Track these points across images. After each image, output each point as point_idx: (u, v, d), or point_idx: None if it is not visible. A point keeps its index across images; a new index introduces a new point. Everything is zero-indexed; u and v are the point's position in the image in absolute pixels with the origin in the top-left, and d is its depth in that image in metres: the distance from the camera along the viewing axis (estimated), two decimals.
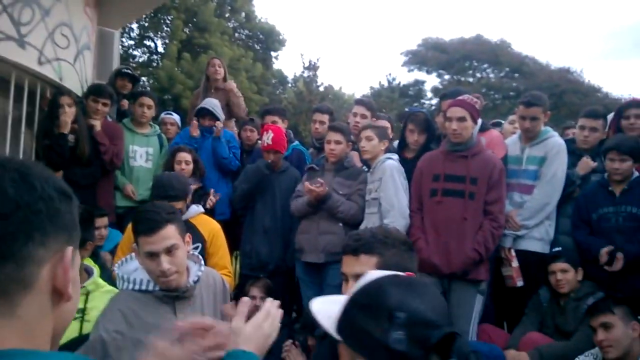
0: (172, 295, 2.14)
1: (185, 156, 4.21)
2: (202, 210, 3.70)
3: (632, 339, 2.84)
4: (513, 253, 3.70)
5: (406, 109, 5.91)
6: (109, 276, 3.18)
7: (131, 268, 2.25)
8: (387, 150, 4.05)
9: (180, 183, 3.41)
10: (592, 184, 3.84)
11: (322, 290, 3.83)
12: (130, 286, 2.16)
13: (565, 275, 3.42)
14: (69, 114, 4.18)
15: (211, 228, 3.59)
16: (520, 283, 3.66)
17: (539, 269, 3.58)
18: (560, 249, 3.59)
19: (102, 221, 4.01)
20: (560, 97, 22.82)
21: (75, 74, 4.69)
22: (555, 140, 3.87)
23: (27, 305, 0.73)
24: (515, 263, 3.68)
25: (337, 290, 1.77)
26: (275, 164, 4.39)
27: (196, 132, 4.82)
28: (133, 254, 2.29)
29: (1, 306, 0.71)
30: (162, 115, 5.81)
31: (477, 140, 3.66)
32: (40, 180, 0.77)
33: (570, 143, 4.09)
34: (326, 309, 1.22)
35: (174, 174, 3.56)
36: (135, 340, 1.97)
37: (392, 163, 3.86)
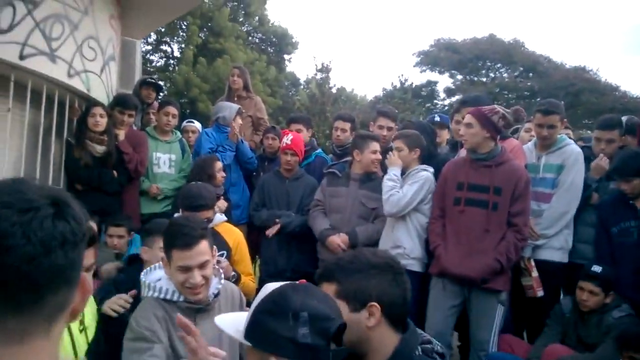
0: (195, 308, 2.24)
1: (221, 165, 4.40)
2: (225, 218, 3.82)
3: None
4: (532, 263, 3.68)
5: (430, 116, 5.91)
6: None
7: (155, 277, 2.33)
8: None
9: (209, 192, 3.51)
10: (612, 194, 3.75)
11: None
12: (156, 294, 2.24)
13: (592, 298, 3.35)
14: (100, 124, 4.36)
15: (236, 236, 3.74)
16: (540, 293, 3.63)
17: (558, 279, 3.54)
18: (598, 268, 3.37)
19: (116, 230, 3.98)
20: (576, 96, 22.46)
21: (102, 84, 4.81)
22: (572, 148, 3.84)
23: (58, 325, 0.75)
24: (535, 273, 3.65)
25: None
26: (292, 167, 4.50)
27: (235, 138, 4.88)
28: (158, 264, 2.38)
29: (47, 326, 0.73)
30: (184, 123, 5.95)
31: (502, 150, 3.58)
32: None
33: (586, 150, 4.05)
34: (231, 322, 1.45)
35: (202, 184, 3.65)
36: (168, 346, 2.12)
37: (427, 174, 3.88)
